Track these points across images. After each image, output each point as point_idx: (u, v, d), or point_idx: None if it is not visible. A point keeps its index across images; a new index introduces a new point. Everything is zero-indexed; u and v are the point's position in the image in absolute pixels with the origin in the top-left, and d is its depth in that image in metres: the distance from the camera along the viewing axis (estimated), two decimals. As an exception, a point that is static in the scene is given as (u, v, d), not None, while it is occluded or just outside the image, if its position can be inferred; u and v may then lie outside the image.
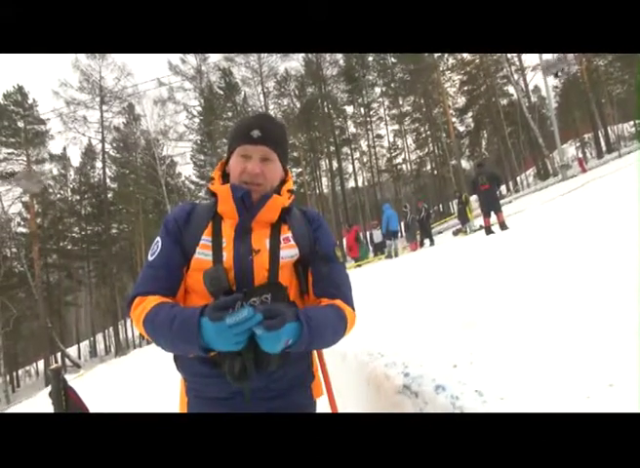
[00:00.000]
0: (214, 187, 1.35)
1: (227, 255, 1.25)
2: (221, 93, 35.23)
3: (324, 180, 41.75)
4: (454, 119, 39.70)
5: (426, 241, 15.70)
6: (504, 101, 38.98)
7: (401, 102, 41.15)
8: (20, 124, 31.91)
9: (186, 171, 79.57)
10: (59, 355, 30.14)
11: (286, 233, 1.33)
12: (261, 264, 1.26)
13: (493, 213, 10.29)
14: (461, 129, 42.39)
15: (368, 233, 18.66)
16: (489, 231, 10.23)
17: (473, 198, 15.20)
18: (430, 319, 2.41)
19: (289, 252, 1.31)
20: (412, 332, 2.25)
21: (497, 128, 38.41)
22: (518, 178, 38.92)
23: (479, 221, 13.77)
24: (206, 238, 1.28)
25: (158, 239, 1.35)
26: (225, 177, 1.38)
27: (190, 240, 1.29)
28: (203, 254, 1.27)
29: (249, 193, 1.28)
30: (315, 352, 1.45)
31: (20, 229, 33.88)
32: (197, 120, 35.58)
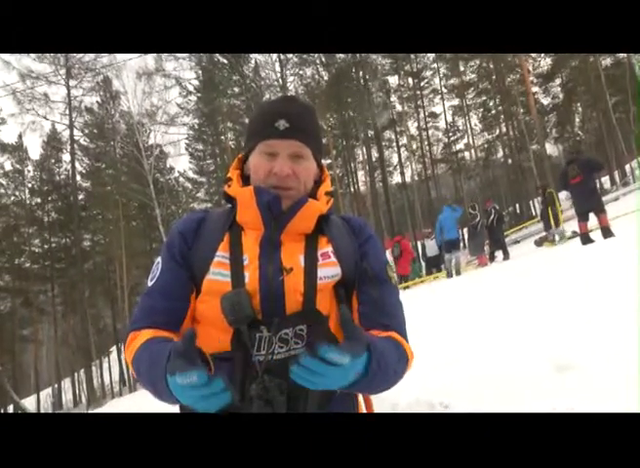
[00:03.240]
0: (232, 190, 1.38)
1: (251, 276, 1.28)
2: (225, 61, 35.46)
3: (360, 175, 41.84)
4: (535, 89, 39.25)
5: (498, 253, 15.52)
6: (607, 61, 38.02)
7: (462, 69, 40.99)
8: (-39, 104, 32.48)
9: (181, 164, 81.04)
10: (10, 408, 30.18)
11: (325, 247, 1.36)
12: (295, 287, 1.28)
13: (592, 214, 10.06)
14: (546, 102, 41.94)
15: (419, 244, 18.58)
16: (586, 240, 9.96)
17: (563, 195, 14.93)
18: (509, 361, 2.42)
19: (329, 271, 1.34)
20: (483, 379, 2.26)
21: (596, 98, 37.69)
22: (627, 167, 37.79)
23: (572, 226, 13.52)
24: (222, 254, 1.32)
25: (159, 260, 1.40)
26: (245, 179, 1.41)
27: (202, 257, 1.33)
28: (219, 275, 1.30)
29: (278, 198, 1.31)
30: (361, 398, 1.46)
31: (-38, 242, 34.50)
32: (194, 98, 35.95)
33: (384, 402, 2.13)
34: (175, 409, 1.42)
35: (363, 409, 1.46)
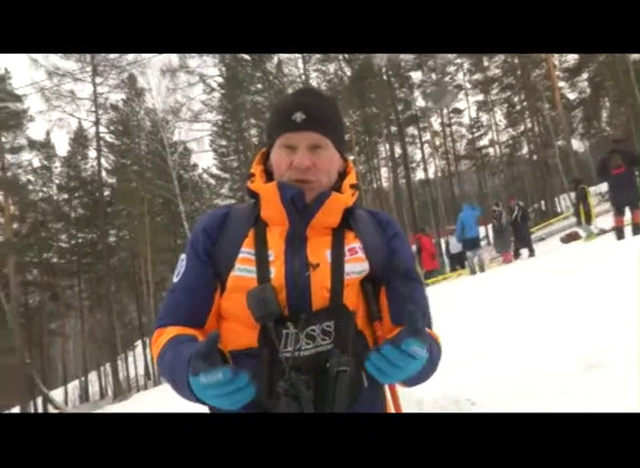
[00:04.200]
0: (255, 186, 1.38)
1: (277, 272, 1.28)
2: (248, 58, 35.71)
3: (383, 171, 41.75)
4: (561, 83, 38.70)
5: (523, 250, 15.38)
6: (636, 54, 37.42)
7: (487, 64, 40.57)
8: (-11, 102, 32.38)
9: (204, 161, 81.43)
10: (39, 400, 30.70)
11: (352, 242, 1.35)
12: (321, 282, 1.29)
13: (628, 208, 9.79)
14: (572, 96, 41.28)
15: (442, 241, 18.49)
16: (621, 234, 9.79)
17: (593, 189, 14.66)
18: (534, 358, 2.39)
19: (356, 266, 1.33)
20: (511, 375, 2.24)
21: (624, 93, 37.01)
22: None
23: (601, 223, 13.29)
24: (247, 250, 1.32)
25: (183, 256, 1.41)
26: (268, 175, 1.41)
27: (227, 253, 1.34)
28: (244, 271, 1.30)
29: (301, 193, 1.31)
30: (389, 394, 1.46)
31: (-8, 238, 35.11)
32: (217, 94, 36.16)
33: (410, 397, 2.12)
34: (199, 407, 1.44)
35: (390, 405, 1.46)
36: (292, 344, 1.24)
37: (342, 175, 1.43)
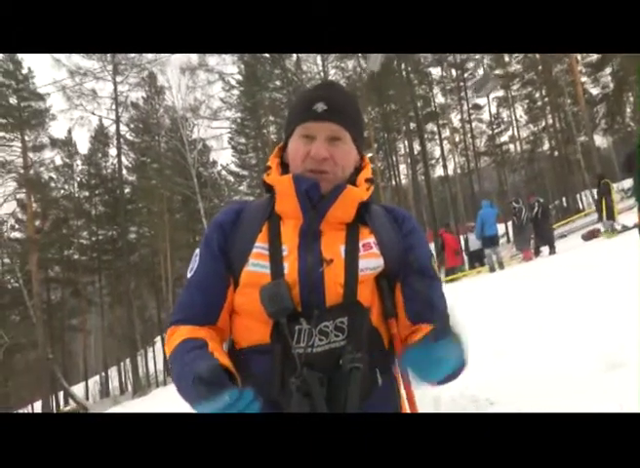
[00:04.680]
0: (270, 179, 1.38)
1: (290, 267, 1.27)
2: (267, 56, 35.83)
3: (402, 168, 41.63)
4: (584, 78, 38.23)
5: (544, 248, 15.24)
6: (661, 47, 36.85)
7: (507, 59, 40.22)
8: (13, 100, 32.52)
9: (223, 158, 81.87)
10: (61, 394, 31.16)
11: (367, 238, 1.34)
12: (335, 278, 1.28)
13: None
14: (595, 92, 40.68)
15: (462, 238, 18.39)
16: None
17: (616, 186, 14.50)
18: (556, 357, 2.35)
19: (371, 262, 1.32)
20: (530, 374, 2.21)
21: (648, 88, 36.57)
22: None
23: (625, 219, 13.13)
24: (261, 245, 1.32)
25: (197, 251, 1.42)
26: (285, 167, 1.40)
27: (240, 248, 1.33)
28: (258, 266, 1.30)
29: (316, 185, 1.30)
30: (404, 393, 1.45)
31: (15, 234, 35.56)
32: (236, 92, 36.36)
33: (426, 396, 2.09)
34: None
35: (405, 403, 1.45)
36: (304, 340, 1.24)
37: (358, 169, 1.42)
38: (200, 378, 1.10)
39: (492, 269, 13.87)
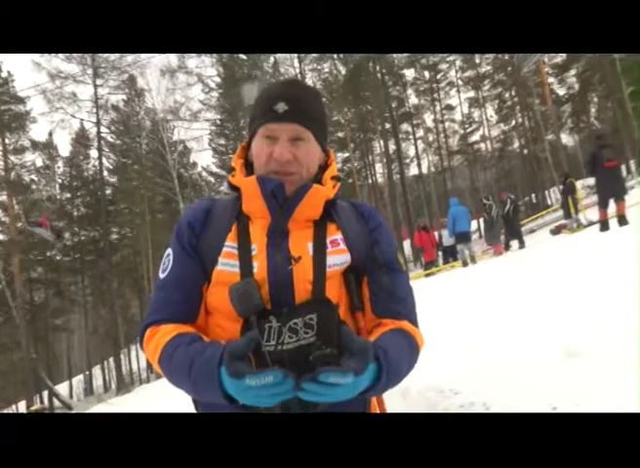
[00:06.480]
0: (235, 180, 1.35)
1: (259, 266, 1.26)
2: (245, 58, 35.63)
3: (378, 167, 41.69)
4: (551, 79, 38.68)
5: (514, 242, 15.42)
6: (622, 51, 37.26)
7: (478, 61, 40.55)
8: (-7, 103, 32.16)
9: (204, 159, 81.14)
10: (45, 394, 30.60)
11: (334, 234, 1.33)
12: (303, 275, 1.27)
13: (612, 201, 9.91)
14: (562, 92, 41.24)
15: (436, 234, 18.49)
16: (605, 226, 9.91)
17: (581, 183, 14.75)
18: (519, 347, 2.39)
19: (338, 258, 1.31)
20: (494, 365, 2.24)
21: (612, 88, 37.00)
22: (643, 156, 37.32)
23: (590, 215, 13.36)
24: (230, 244, 1.30)
25: (169, 251, 1.38)
26: (249, 167, 1.39)
27: (210, 248, 1.32)
28: (228, 265, 1.28)
29: (281, 186, 1.28)
30: None
31: (-4, 236, 34.89)
32: (215, 94, 36.01)
33: (395, 388, 2.12)
34: (188, 403, 1.44)
35: (373, 400, 1.45)
36: (274, 338, 1.22)
37: (324, 167, 1.40)
38: (233, 354, 1.08)
39: (465, 264, 13.97)
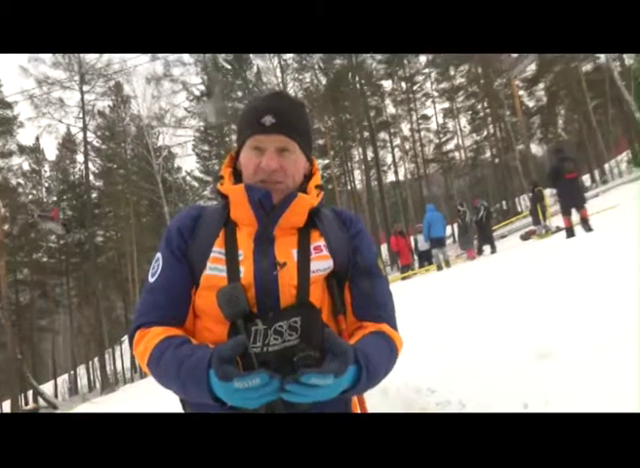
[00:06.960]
0: (224, 188, 1.37)
1: (246, 271, 1.27)
2: (229, 67, 35.55)
3: (357, 173, 41.88)
4: (521, 92, 39.21)
5: (486, 247, 15.57)
6: (588, 66, 37.64)
7: (452, 73, 40.96)
8: (-20, 109, 31.88)
9: (188, 164, 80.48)
10: (30, 394, 30.27)
11: (317, 241, 1.35)
12: (289, 280, 1.28)
13: (574, 209, 10.20)
14: (531, 104, 41.90)
15: (412, 239, 18.59)
16: (571, 233, 10.16)
17: (549, 191, 15.00)
18: (493, 348, 2.41)
19: (321, 264, 1.33)
20: (469, 365, 2.26)
21: (577, 101, 37.59)
22: (606, 166, 37.80)
23: (556, 222, 13.57)
24: (218, 250, 1.31)
25: (158, 255, 1.38)
26: (237, 175, 1.40)
27: (199, 253, 1.32)
28: (215, 270, 1.29)
29: (268, 194, 1.30)
30: None
31: (-18, 239, 34.47)
32: (200, 102, 35.93)
33: (375, 388, 2.13)
34: (175, 403, 1.43)
35: (354, 399, 1.46)
36: (260, 340, 1.23)
37: (309, 176, 1.41)
38: (222, 358, 1.08)
39: (439, 268, 14.08)
